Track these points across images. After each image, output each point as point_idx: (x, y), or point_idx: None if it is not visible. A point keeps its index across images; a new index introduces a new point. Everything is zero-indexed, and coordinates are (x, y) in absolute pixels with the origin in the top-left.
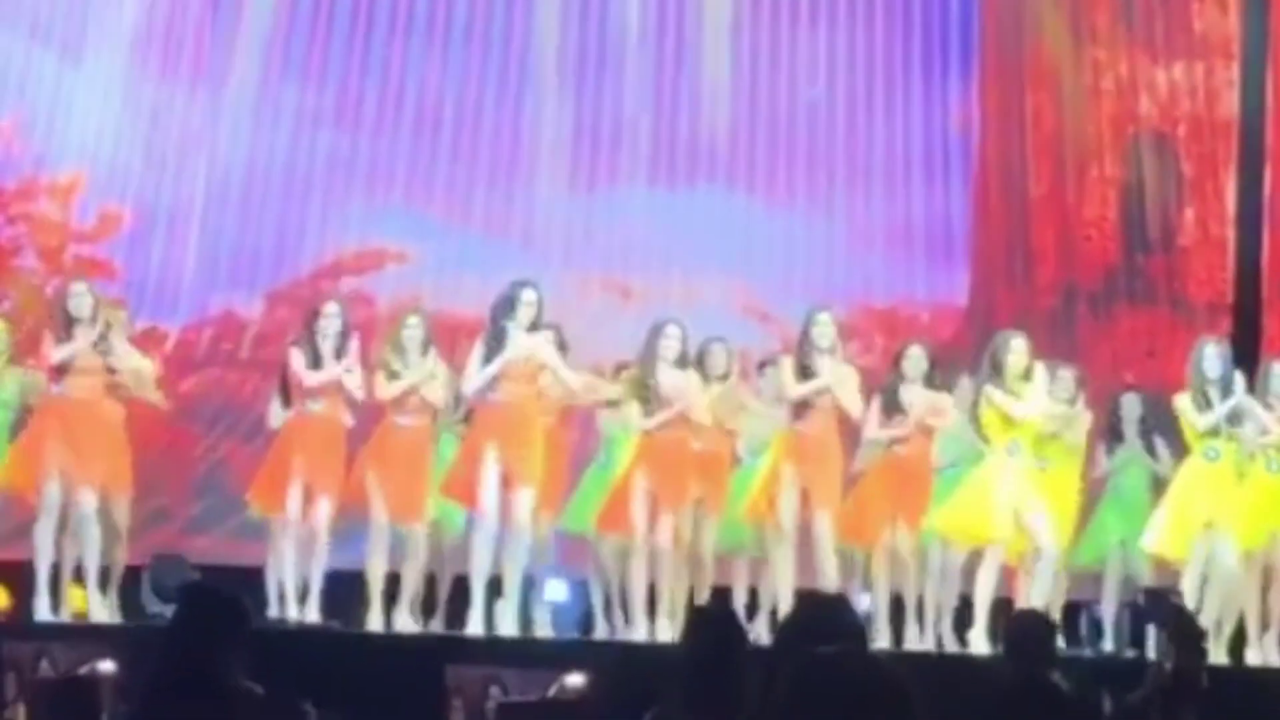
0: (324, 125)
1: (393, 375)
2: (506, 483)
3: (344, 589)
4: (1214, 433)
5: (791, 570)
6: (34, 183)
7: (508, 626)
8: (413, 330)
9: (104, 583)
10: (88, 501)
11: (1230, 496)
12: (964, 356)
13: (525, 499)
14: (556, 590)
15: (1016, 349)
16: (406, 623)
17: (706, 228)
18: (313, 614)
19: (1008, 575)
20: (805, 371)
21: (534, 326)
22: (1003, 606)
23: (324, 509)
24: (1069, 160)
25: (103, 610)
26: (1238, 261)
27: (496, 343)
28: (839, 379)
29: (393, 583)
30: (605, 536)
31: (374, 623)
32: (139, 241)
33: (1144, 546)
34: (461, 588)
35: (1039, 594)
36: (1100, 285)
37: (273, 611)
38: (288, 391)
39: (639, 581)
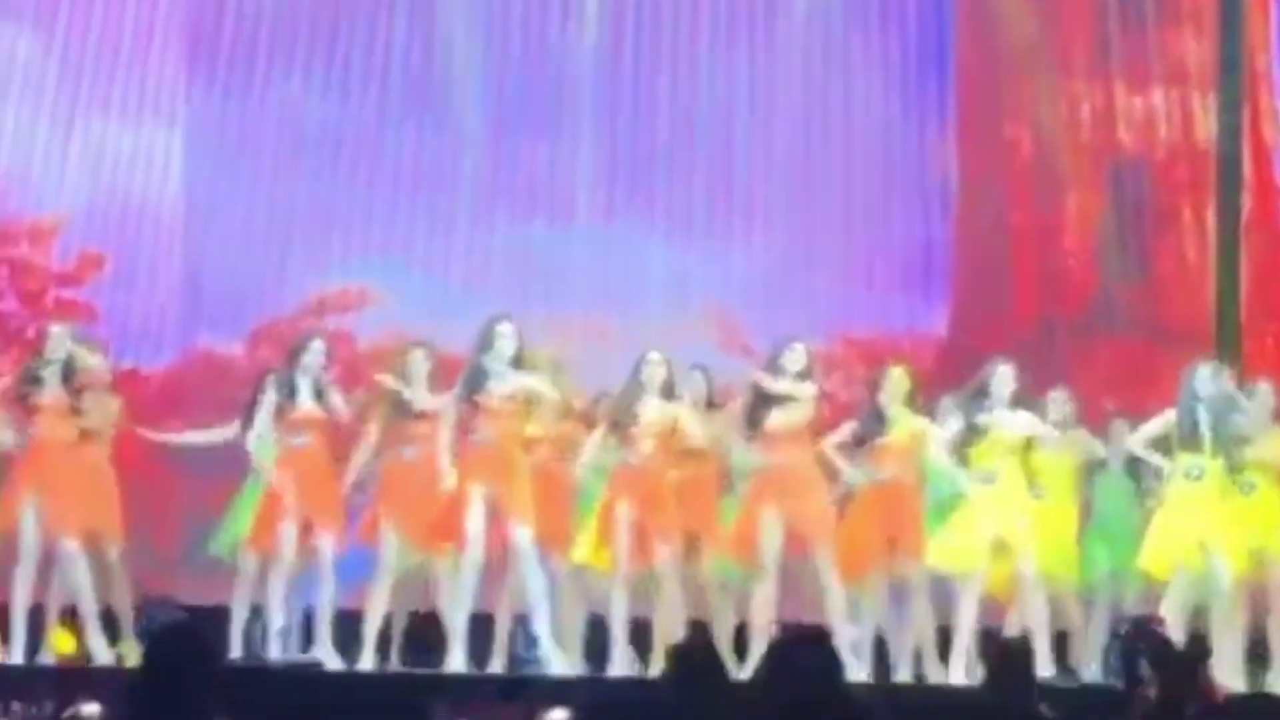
0: (303, 165)
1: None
2: (499, 521)
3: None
4: (1198, 450)
5: (772, 607)
6: (15, 226)
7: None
8: (419, 364)
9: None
10: (67, 545)
11: (1216, 515)
12: (944, 387)
13: (525, 537)
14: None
15: (1003, 375)
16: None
17: (686, 263)
18: (323, 652)
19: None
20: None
21: (517, 360)
22: (987, 637)
23: (327, 544)
24: (1047, 190)
25: (108, 653)
26: (1217, 288)
27: (476, 380)
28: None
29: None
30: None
31: (366, 662)
32: (120, 283)
33: (1137, 566)
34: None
35: (1025, 622)
36: (1080, 314)
37: (272, 651)
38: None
39: (620, 614)
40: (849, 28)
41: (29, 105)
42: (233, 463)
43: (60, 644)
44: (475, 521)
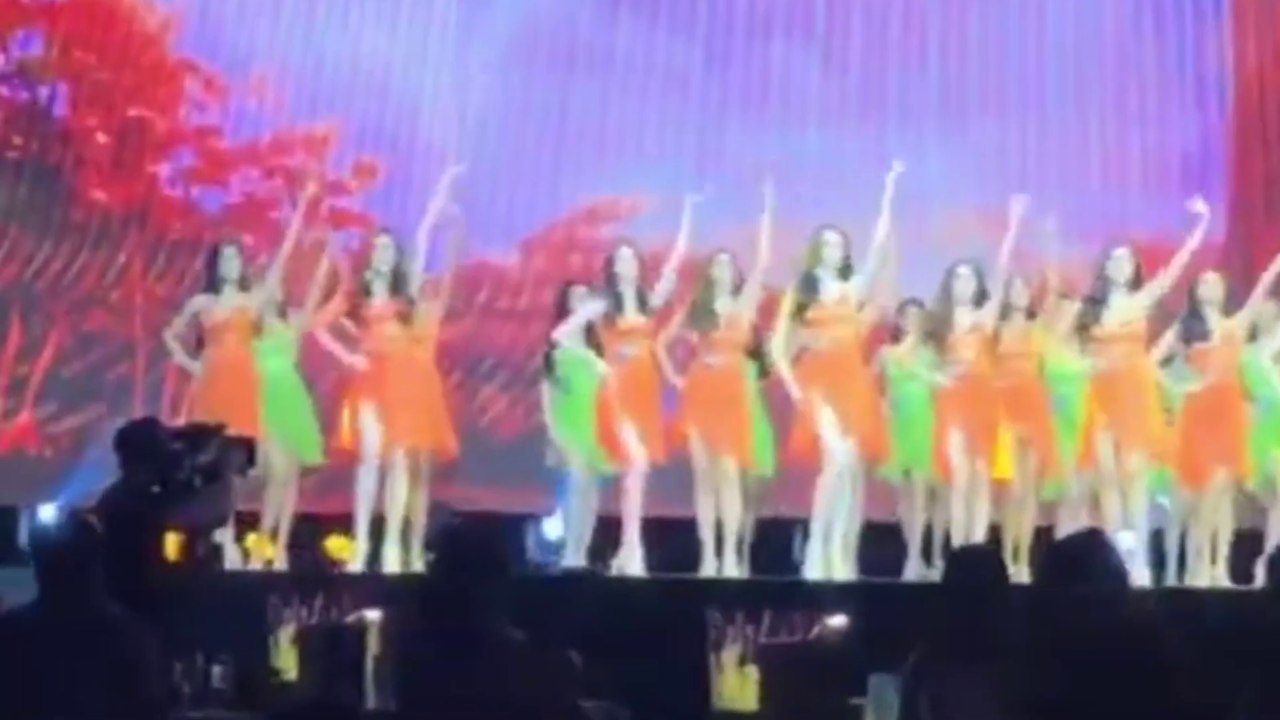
0: (576, 72)
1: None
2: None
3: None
4: None
5: (1116, 513)
6: (290, 135)
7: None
8: (722, 269)
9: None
10: (398, 458)
11: None
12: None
13: (846, 450)
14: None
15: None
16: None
17: (960, 160)
18: (635, 565)
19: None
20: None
21: (846, 268)
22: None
23: (642, 455)
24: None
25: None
26: None
27: (806, 290)
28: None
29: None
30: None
31: (708, 569)
32: (394, 192)
33: None
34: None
35: None
36: None
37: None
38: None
39: (952, 522)
40: None
41: (302, 13)
42: (503, 375)
43: (341, 549)
44: (830, 432)
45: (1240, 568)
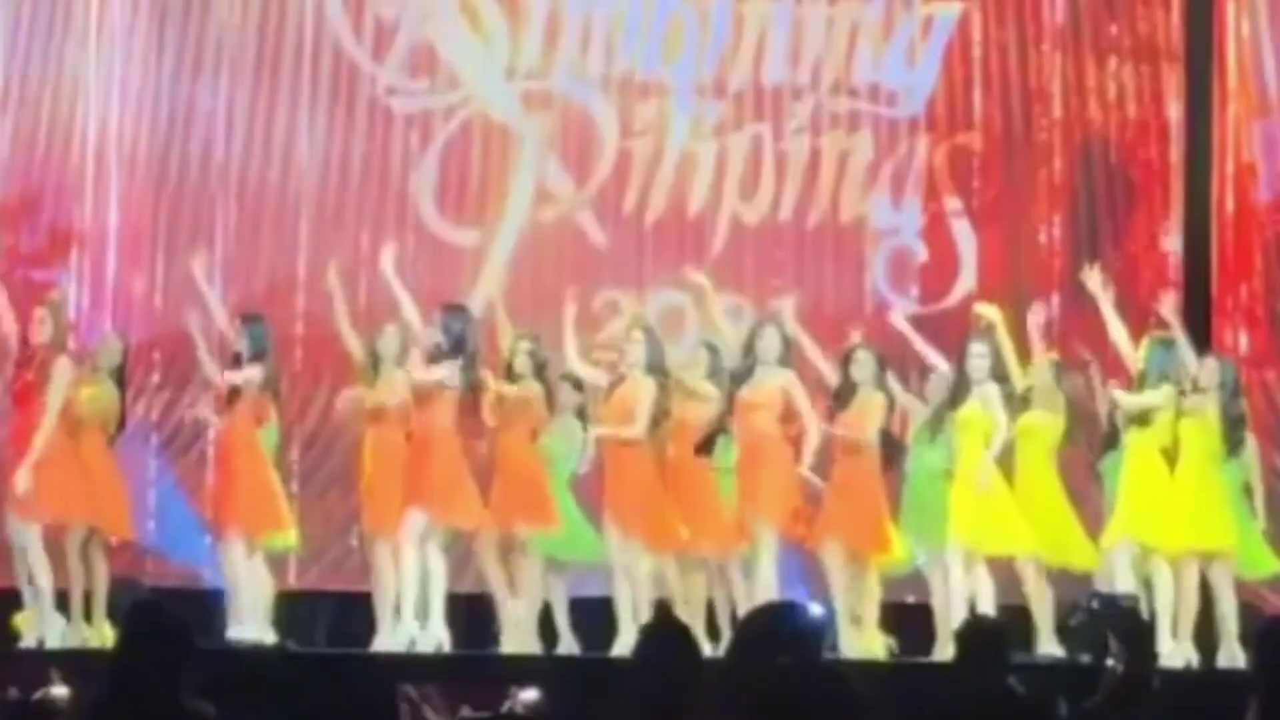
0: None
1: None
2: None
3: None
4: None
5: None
6: None
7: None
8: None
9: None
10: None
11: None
12: (916, 364)
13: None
14: None
15: (976, 353)
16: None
17: (659, 237)
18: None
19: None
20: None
21: None
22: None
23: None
24: (1016, 165)
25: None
26: (1186, 266)
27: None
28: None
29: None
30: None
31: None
32: (91, 264)
33: (1103, 546)
34: None
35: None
36: (1050, 290)
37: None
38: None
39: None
40: None
41: None
42: (200, 449)
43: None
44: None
45: None
